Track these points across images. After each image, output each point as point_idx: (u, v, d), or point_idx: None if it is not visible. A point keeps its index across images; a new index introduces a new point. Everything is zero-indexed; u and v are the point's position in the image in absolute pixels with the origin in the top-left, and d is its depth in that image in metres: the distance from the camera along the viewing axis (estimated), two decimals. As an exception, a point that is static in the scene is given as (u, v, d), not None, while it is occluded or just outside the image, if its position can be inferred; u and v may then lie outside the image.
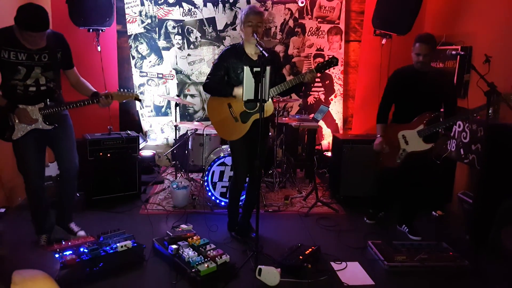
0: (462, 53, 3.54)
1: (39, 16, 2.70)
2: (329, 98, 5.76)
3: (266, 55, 2.70)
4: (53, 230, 3.29)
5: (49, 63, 2.93)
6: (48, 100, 2.97)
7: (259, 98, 2.68)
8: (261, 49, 2.77)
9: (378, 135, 3.50)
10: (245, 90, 2.72)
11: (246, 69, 2.67)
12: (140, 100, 3.26)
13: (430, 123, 3.30)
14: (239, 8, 5.32)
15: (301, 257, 2.97)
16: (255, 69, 2.63)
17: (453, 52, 3.18)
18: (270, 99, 3.06)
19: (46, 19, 2.75)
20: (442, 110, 3.42)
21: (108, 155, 4.09)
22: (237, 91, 3.05)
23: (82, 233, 3.32)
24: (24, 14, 2.65)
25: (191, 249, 2.94)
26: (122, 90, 3.12)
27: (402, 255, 3.07)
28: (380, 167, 3.62)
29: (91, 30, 4.65)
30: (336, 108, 5.78)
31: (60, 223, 3.36)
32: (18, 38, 2.78)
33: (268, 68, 2.65)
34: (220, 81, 3.15)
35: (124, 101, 3.21)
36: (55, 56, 2.96)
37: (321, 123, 5.64)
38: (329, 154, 5.40)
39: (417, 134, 3.34)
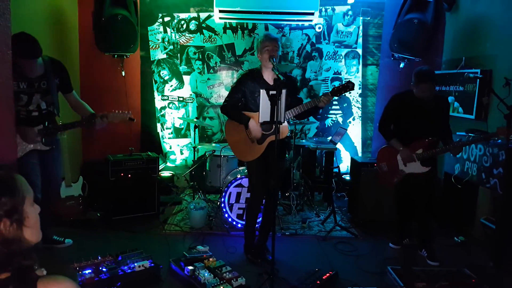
0: (481, 76, 3.52)
1: (31, 43, 2.90)
2: (347, 121, 5.77)
3: (282, 78, 2.77)
4: None
5: (48, 89, 3.13)
6: (47, 122, 3.17)
7: (275, 120, 2.73)
8: (277, 72, 2.84)
9: (400, 148, 3.50)
10: (261, 112, 2.78)
11: (262, 92, 2.74)
12: (133, 120, 3.40)
13: (429, 147, 3.39)
14: (257, 34, 5.46)
15: (318, 281, 2.93)
16: (271, 92, 2.70)
17: (471, 75, 3.18)
18: (285, 122, 3.11)
19: (38, 46, 2.95)
20: None
21: (129, 175, 4.18)
22: (252, 123, 3.14)
23: (69, 240, 3.53)
24: (18, 43, 2.74)
25: (207, 271, 2.95)
26: (117, 111, 3.26)
27: (422, 282, 2.99)
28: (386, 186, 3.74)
29: (116, 56, 4.86)
30: (354, 131, 5.78)
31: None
32: (17, 68, 2.91)
33: (283, 91, 2.71)
34: (237, 105, 3.23)
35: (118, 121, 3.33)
36: (53, 82, 3.16)
37: (339, 145, 5.63)
38: (348, 177, 5.36)
39: (415, 157, 3.42)
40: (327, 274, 3.05)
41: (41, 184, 3.22)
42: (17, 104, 3.04)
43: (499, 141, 3.45)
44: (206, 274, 2.88)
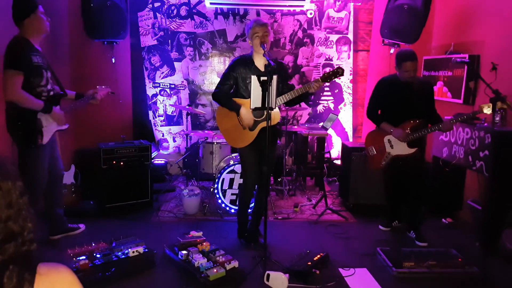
0: (468, 61, 3.58)
1: None
2: (338, 107, 5.81)
3: (272, 64, 2.79)
4: None
5: (50, 65, 3.18)
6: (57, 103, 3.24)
7: (266, 106, 2.76)
8: (267, 58, 2.86)
9: (392, 130, 3.55)
10: (252, 98, 2.81)
11: (253, 78, 2.76)
12: (113, 93, 3.69)
13: (414, 129, 3.46)
14: (249, 20, 5.44)
15: (309, 263, 3.00)
16: (262, 78, 2.72)
17: (458, 60, 3.23)
18: (277, 108, 3.14)
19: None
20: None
21: (121, 163, 4.18)
22: (243, 110, 3.15)
23: (82, 225, 3.68)
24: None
25: (201, 255, 3.00)
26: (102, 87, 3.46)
27: (411, 262, 3.08)
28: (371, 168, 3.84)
29: (105, 42, 4.81)
30: (345, 117, 5.82)
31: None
32: (30, 42, 2.99)
33: (274, 77, 2.73)
34: (229, 92, 3.25)
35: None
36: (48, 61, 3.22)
37: (331, 131, 5.68)
38: (338, 162, 5.43)
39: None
40: (318, 256, 3.12)
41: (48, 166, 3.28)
42: (40, 83, 3.03)
43: (486, 124, 3.53)
44: (199, 258, 2.93)
